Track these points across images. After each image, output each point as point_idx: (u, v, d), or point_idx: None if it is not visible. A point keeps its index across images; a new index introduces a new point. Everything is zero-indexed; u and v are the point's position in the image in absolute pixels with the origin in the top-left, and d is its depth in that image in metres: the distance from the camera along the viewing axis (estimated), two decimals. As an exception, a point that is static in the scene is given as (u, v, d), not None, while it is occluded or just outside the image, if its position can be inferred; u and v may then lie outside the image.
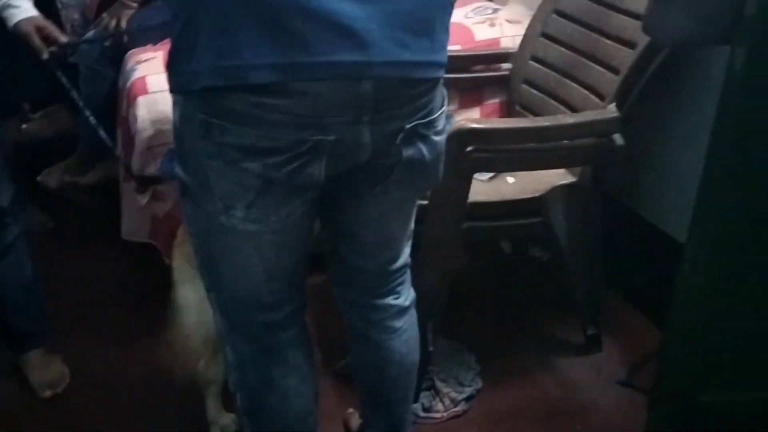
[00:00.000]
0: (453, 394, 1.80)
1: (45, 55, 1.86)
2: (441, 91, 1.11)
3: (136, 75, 1.93)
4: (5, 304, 1.84)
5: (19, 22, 1.85)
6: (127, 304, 2.14)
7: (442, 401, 1.79)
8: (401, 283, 1.33)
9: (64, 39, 1.91)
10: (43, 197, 2.62)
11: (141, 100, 1.87)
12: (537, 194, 1.73)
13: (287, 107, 0.95)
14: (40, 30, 1.87)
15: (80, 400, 1.84)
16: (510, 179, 1.83)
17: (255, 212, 1.04)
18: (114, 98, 2.19)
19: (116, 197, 2.23)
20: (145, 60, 1.99)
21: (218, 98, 0.96)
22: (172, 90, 1.04)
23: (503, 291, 2.24)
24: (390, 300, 1.32)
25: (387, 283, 1.31)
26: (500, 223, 1.75)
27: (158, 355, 1.65)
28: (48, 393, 1.83)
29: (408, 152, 1.07)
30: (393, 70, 0.98)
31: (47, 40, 1.88)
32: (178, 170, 1.08)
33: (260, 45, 0.92)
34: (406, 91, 1.02)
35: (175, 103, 1.05)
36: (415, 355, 1.40)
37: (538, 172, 1.80)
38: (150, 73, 1.93)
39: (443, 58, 1.06)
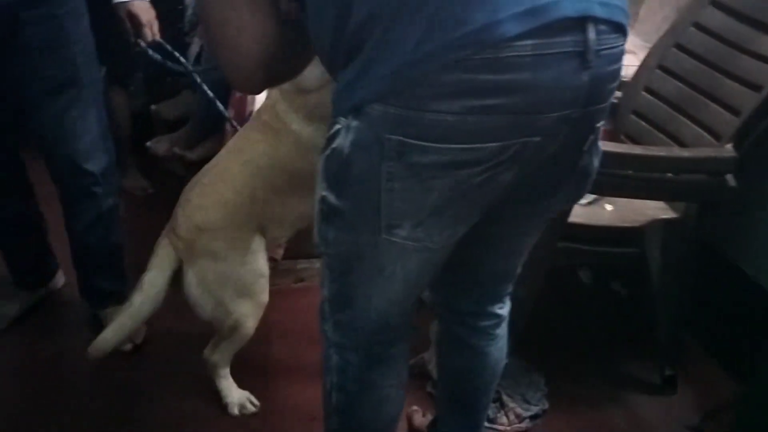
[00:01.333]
0: (519, 410, 1.80)
1: (132, 39, 1.96)
2: None
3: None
4: (89, 266, 1.95)
5: (116, 2, 1.97)
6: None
7: (507, 415, 1.79)
8: (507, 295, 1.34)
9: (147, 38, 2.00)
10: (147, 164, 2.75)
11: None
12: (636, 224, 1.72)
13: (511, 106, 0.89)
14: (131, 17, 1.98)
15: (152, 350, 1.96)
16: (608, 206, 1.82)
17: (420, 231, 1.00)
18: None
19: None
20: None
21: (424, 113, 0.89)
22: (342, 113, 0.97)
23: (579, 320, 2.22)
24: (496, 308, 1.33)
25: (501, 291, 1.32)
26: (594, 248, 1.74)
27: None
28: (129, 346, 1.91)
29: (586, 159, 1.04)
30: (608, 10, 0.90)
31: (137, 28, 1.98)
32: (328, 196, 1.03)
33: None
34: (613, 74, 0.96)
35: (340, 129, 0.97)
36: (503, 363, 1.42)
37: (639, 203, 1.79)
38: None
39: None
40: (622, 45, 0.95)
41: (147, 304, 1.67)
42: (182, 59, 2.06)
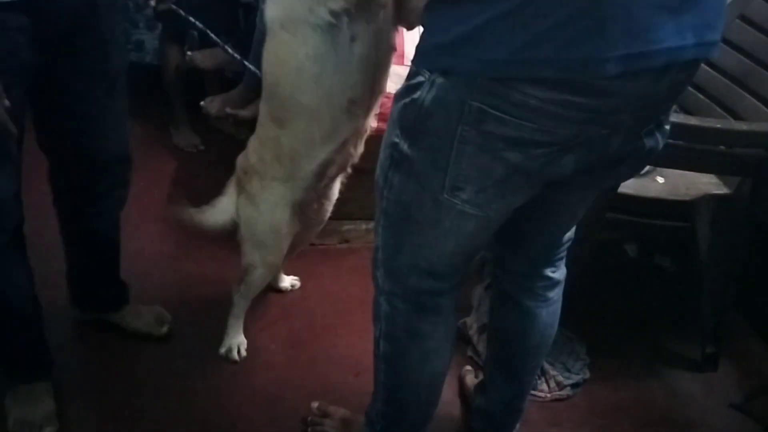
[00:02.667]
0: (559, 378, 1.81)
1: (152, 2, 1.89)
2: None
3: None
4: (110, 262, 1.82)
5: None
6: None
7: (547, 382, 1.80)
8: (562, 258, 1.36)
9: None
10: (199, 121, 2.80)
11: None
12: (687, 198, 1.70)
13: (591, 106, 0.93)
14: None
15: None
16: (660, 179, 1.80)
17: (481, 197, 1.03)
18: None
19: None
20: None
21: (511, 90, 0.92)
22: (430, 67, 0.98)
23: (623, 293, 2.21)
24: (548, 271, 1.35)
25: (553, 255, 1.34)
26: (643, 220, 1.73)
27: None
28: (165, 329, 1.88)
29: (650, 143, 1.06)
30: (700, 51, 0.95)
31: None
32: (401, 143, 1.05)
33: (608, 35, 0.87)
34: (688, 79, 1.01)
35: (423, 82, 0.99)
36: (554, 330, 1.44)
37: (691, 177, 1.77)
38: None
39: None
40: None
41: (215, 217, 1.75)
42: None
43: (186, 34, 2.84)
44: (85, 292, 1.85)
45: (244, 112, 2.46)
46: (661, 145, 1.09)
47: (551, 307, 1.39)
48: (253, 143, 1.71)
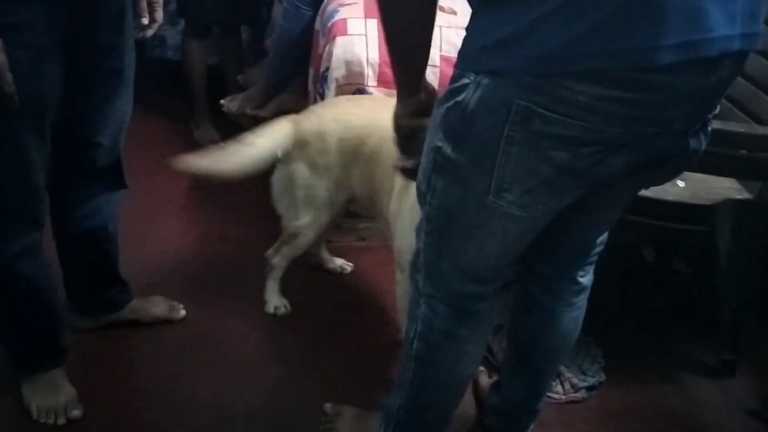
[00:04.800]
0: (575, 380, 1.81)
1: None
2: None
3: (338, 17, 2.04)
4: (113, 255, 1.77)
5: None
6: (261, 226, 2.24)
7: (562, 384, 1.80)
8: (592, 263, 1.35)
9: None
10: (218, 116, 2.82)
11: (339, 40, 1.98)
12: (707, 203, 1.69)
13: (641, 101, 0.92)
14: None
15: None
16: (681, 182, 1.79)
17: (528, 198, 1.02)
18: (307, 37, 2.32)
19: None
20: (348, 4, 2.10)
21: (559, 87, 0.91)
22: (475, 69, 0.97)
23: (640, 298, 2.20)
24: (578, 276, 1.35)
25: (585, 259, 1.33)
26: (662, 223, 1.72)
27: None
28: (182, 313, 1.91)
29: (694, 144, 1.05)
30: (746, 42, 0.94)
31: None
32: (444, 147, 1.04)
33: (663, 23, 0.86)
34: (735, 73, 0.99)
35: (468, 84, 0.97)
36: (575, 336, 1.43)
37: (712, 181, 1.76)
38: (351, 16, 2.04)
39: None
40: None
41: (241, 159, 1.79)
42: None
43: (208, 30, 2.87)
44: (89, 297, 1.81)
45: (264, 112, 2.50)
46: (703, 147, 1.07)
47: (574, 313, 1.38)
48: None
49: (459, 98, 0.99)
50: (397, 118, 1.17)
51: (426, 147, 1.09)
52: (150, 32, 1.49)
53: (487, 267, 1.16)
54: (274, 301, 1.97)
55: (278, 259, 1.94)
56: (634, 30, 0.87)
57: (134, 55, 1.55)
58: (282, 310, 1.97)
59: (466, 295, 1.20)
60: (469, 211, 1.07)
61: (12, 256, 1.43)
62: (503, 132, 0.96)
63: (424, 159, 1.10)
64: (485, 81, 0.96)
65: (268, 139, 1.80)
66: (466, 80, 0.98)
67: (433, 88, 1.18)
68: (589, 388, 1.80)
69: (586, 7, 0.87)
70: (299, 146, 1.79)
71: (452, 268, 1.17)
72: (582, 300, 1.38)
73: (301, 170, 1.80)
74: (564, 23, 0.88)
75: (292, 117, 1.86)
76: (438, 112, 1.05)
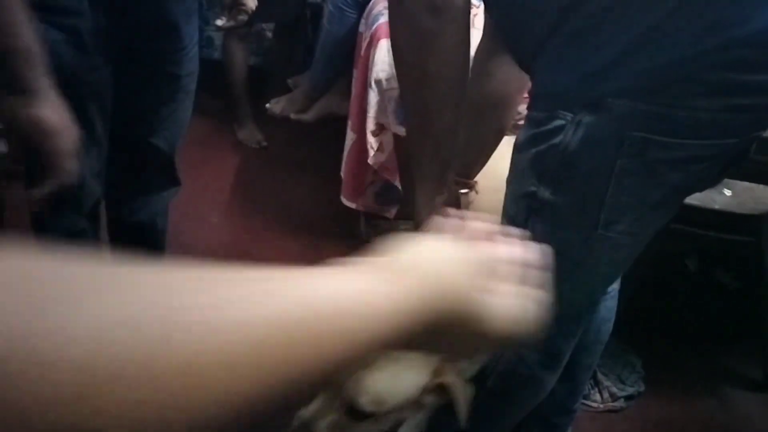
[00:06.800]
0: (613, 389, 1.79)
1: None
2: None
3: (383, 19, 2.05)
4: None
5: None
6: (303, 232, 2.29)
7: (600, 393, 1.78)
8: None
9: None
10: (262, 117, 2.87)
11: (383, 43, 1.99)
12: (754, 212, 1.66)
13: (755, 106, 0.85)
14: None
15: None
16: (727, 191, 1.76)
17: (637, 225, 0.95)
18: (351, 40, 2.35)
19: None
20: (392, 6, 2.10)
21: (677, 110, 0.84)
22: (574, 107, 0.89)
23: (682, 308, 2.17)
24: None
25: None
26: (707, 232, 1.70)
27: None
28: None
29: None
30: None
31: None
32: (539, 192, 0.96)
33: None
34: None
35: (564, 125, 0.90)
36: (610, 325, 1.41)
37: (759, 191, 1.72)
38: (395, 19, 2.04)
39: None
40: None
41: None
42: None
43: (250, 31, 2.92)
44: None
45: (307, 117, 2.53)
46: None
47: (609, 302, 1.36)
48: None
49: (555, 141, 0.91)
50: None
51: (512, 194, 1.02)
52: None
53: (590, 302, 1.12)
54: None
55: None
56: (755, 9, 0.79)
57: (197, 64, 1.55)
58: None
59: (563, 334, 1.13)
60: (572, 248, 0.98)
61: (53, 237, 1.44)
62: (614, 167, 0.89)
63: (513, 207, 1.02)
64: (587, 119, 0.88)
65: None
66: (560, 121, 0.90)
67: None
68: (628, 398, 1.78)
69: (695, 2, 0.80)
70: None
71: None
72: (615, 290, 1.35)
73: None
74: (675, 26, 0.81)
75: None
76: (522, 158, 0.98)
